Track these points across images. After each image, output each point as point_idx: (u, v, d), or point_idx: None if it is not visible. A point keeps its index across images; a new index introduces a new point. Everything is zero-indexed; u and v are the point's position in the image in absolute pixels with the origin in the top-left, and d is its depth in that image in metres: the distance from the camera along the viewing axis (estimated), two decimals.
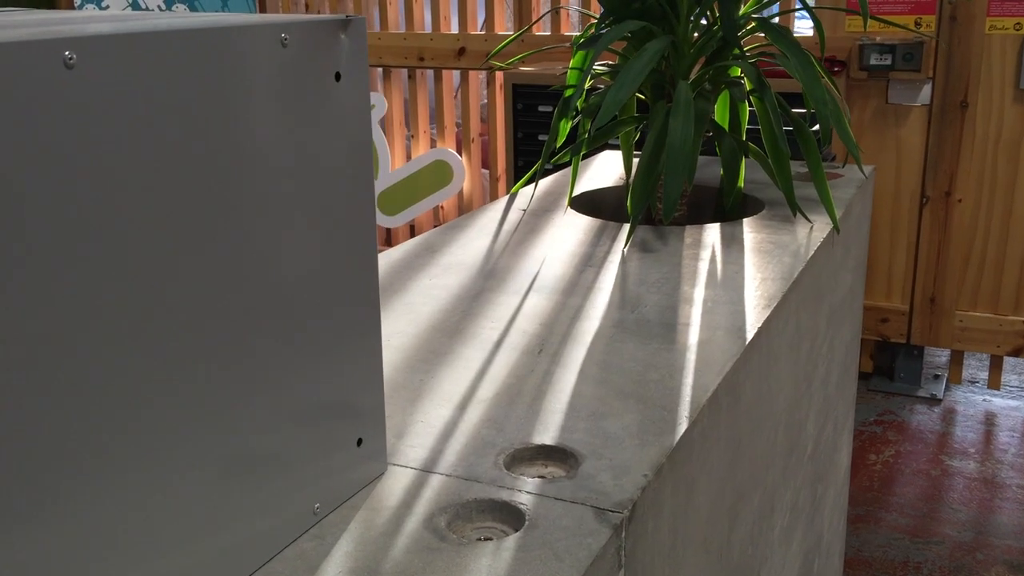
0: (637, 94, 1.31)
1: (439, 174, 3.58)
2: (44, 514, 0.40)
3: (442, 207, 3.68)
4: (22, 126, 0.37)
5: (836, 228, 1.19)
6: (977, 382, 3.09)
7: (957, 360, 3.00)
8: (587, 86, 1.29)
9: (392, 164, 3.67)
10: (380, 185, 3.66)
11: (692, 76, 1.23)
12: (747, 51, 1.26)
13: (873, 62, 2.77)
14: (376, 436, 0.61)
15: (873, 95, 2.82)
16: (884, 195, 2.88)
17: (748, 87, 1.19)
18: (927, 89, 2.76)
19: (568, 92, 1.15)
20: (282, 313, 0.52)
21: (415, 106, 3.60)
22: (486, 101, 3.52)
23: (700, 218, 1.38)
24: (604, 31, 1.10)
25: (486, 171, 3.67)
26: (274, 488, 0.53)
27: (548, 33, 3.30)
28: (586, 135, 1.18)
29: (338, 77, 0.53)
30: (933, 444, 2.70)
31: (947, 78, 2.73)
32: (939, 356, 3.22)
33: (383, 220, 3.69)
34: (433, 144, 3.70)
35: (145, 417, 0.45)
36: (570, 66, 1.20)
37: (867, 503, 2.39)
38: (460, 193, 3.62)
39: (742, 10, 1.23)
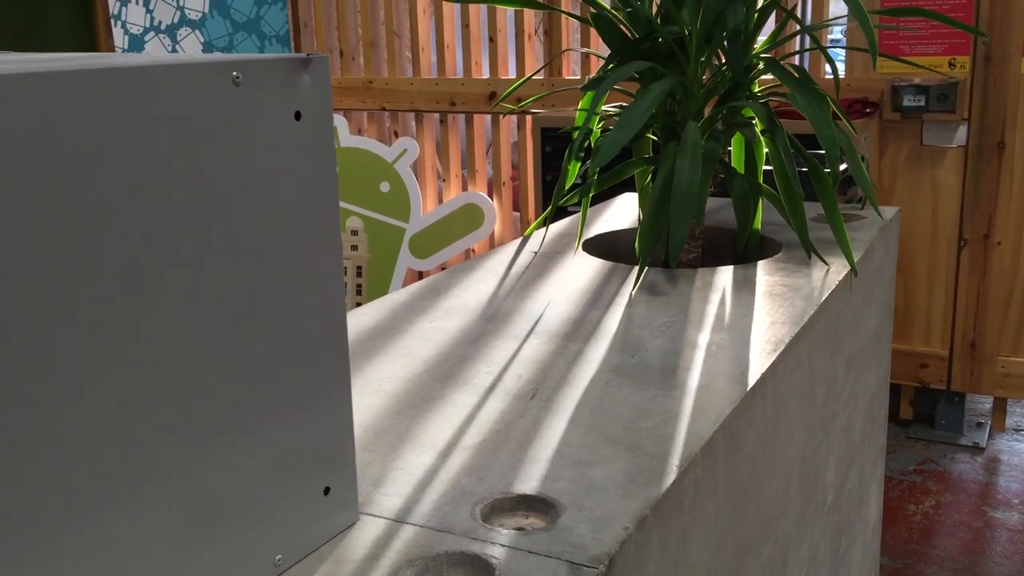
0: (651, 136, 1.29)
1: (470, 217, 3.59)
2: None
3: (473, 250, 3.68)
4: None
5: (854, 270, 1.16)
6: (1022, 430, 2.99)
7: (1000, 407, 2.91)
8: (600, 127, 1.28)
9: (424, 208, 3.69)
10: (412, 228, 3.67)
11: (705, 116, 1.21)
12: (761, 91, 1.24)
13: (907, 103, 2.73)
14: (345, 485, 0.59)
15: (907, 136, 2.78)
16: (921, 238, 2.83)
17: (759, 127, 1.17)
18: (963, 130, 2.71)
19: (575, 134, 1.13)
20: (244, 360, 0.51)
21: (447, 150, 3.62)
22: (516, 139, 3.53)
23: (717, 260, 1.36)
24: (610, 72, 1.09)
25: (517, 213, 3.67)
26: (234, 538, 0.51)
27: (577, 76, 3.31)
28: (594, 177, 1.16)
29: (298, 116, 0.52)
30: (975, 494, 2.60)
31: (983, 119, 2.68)
32: (982, 403, 3.13)
33: (414, 263, 3.70)
34: (464, 188, 3.71)
35: (106, 465, 0.43)
36: (578, 107, 1.19)
37: (905, 555, 2.31)
38: (492, 236, 3.62)
39: (756, 49, 1.21)
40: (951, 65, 2.70)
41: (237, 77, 0.48)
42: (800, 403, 0.98)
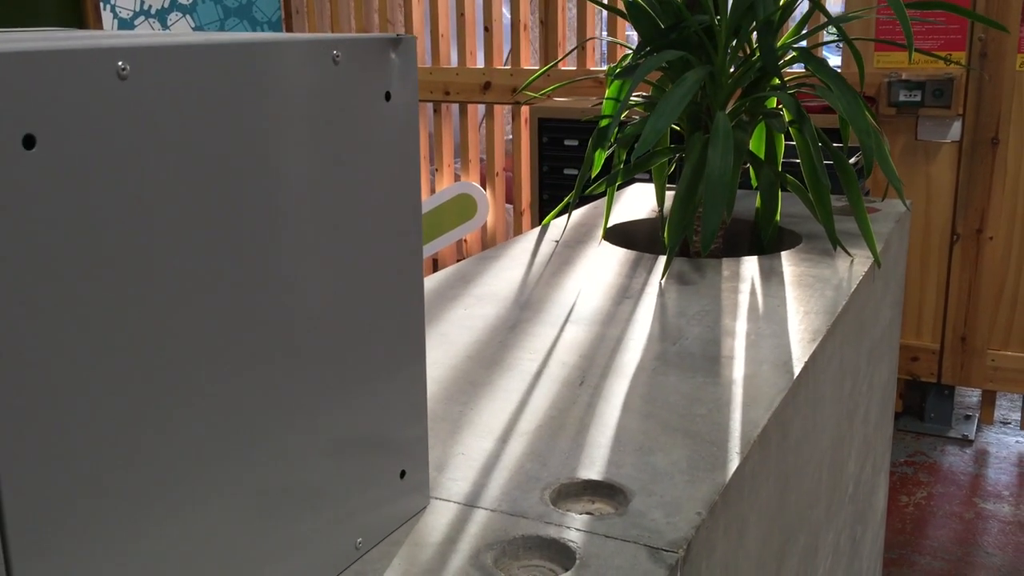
0: (672, 125, 1.30)
1: (463, 208, 3.58)
2: (70, 549, 0.38)
3: (465, 241, 3.67)
4: (70, 135, 0.36)
5: (877, 262, 1.17)
6: (1009, 423, 3.03)
7: (989, 400, 2.94)
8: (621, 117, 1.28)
9: None
10: None
11: (730, 107, 1.21)
12: (787, 82, 1.24)
13: (902, 98, 2.75)
14: (419, 469, 0.59)
15: (902, 131, 2.80)
16: (914, 232, 2.85)
17: (787, 118, 1.17)
18: (957, 126, 2.74)
19: (604, 122, 1.13)
20: (324, 342, 0.50)
21: (440, 140, 3.60)
22: (511, 136, 3.53)
23: (736, 251, 1.36)
24: (641, 61, 1.09)
25: (510, 205, 3.67)
26: (315, 523, 0.51)
27: (574, 68, 3.31)
28: (621, 165, 1.16)
29: (388, 96, 0.52)
30: (966, 486, 2.64)
31: (978, 115, 2.71)
32: (970, 396, 3.16)
33: None
34: (457, 178, 3.70)
35: (182, 449, 0.43)
36: (606, 96, 1.19)
37: (900, 546, 2.34)
38: (484, 227, 3.62)
39: (780, 41, 1.21)
40: (947, 61, 2.72)
41: (337, 56, 0.47)
42: (833, 393, 0.98)
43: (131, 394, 0.40)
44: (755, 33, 1.14)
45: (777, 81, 1.19)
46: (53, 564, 0.37)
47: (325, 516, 0.52)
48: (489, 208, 3.57)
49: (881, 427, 1.45)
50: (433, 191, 3.72)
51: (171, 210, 0.40)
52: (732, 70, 1.19)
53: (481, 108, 3.56)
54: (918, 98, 2.74)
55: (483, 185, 3.60)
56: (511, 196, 3.60)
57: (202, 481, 0.44)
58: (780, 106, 1.20)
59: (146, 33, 0.46)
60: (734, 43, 1.16)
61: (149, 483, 0.41)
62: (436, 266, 3.76)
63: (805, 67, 1.12)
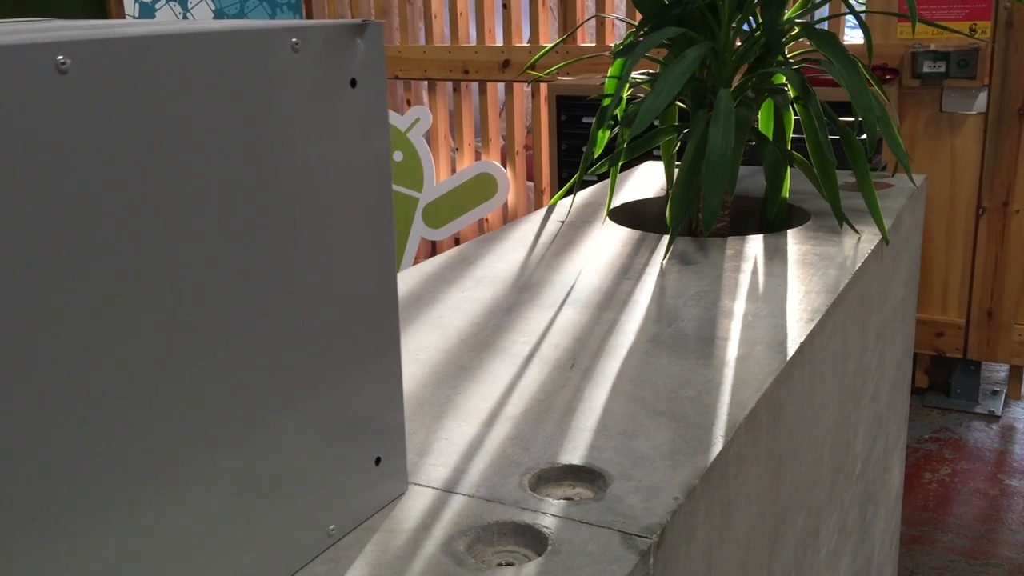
0: (679, 103, 1.28)
1: (484, 187, 3.57)
2: (52, 531, 0.39)
3: (487, 219, 3.67)
4: (12, 132, 0.36)
5: (885, 239, 1.15)
6: None
7: (1016, 375, 2.90)
8: (627, 95, 1.27)
9: (437, 177, 3.67)
10: (425, 198, 3.66)
11: (734, 84, 1.20)
12: (791, 57, 1.22)
13: (927, 70, 2.70)
14: (396, 455, 0.59)
15: (927, 103, 2.75)
16: (939, 206, 2.81)
17: (792, 94, 1.15)
18: (983, 97, 2.69)
19: (605, 101, 1.12)
20: (299, 329, 0.51)
21: (460, 119, 3.60)
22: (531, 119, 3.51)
23: (744, 229, 1.35)
24: (642, 38, 1.08)
25: (531, 183, 3.66)
26: (289, 509, 0.51)
27: (592, 44, 3.28)
28: (624, 145, 1.15)
29: (354, 83, 0.52)
30: (991, 462, 2.61)
31: (1003, 85, 2.65)
32: (997, 371, 3.12)
33: (427, 233, 3.69)
34: (478, 157, 3.69)
35: (161, 433, 0.43)
36: (608, 75, 1.18)
37: (922, 523, 2.32)
38: (505, 205, 3.61)
39: (786, 15, 1.19)
40: (971, 30, 2.67)
41: (296, 43, 0.47)
42: (834, 373, 0.97)
43: (100, 384, 0.40)
44: (760, 7, 1.13)
45: (783, 57, 1.18)
46: (19, 555, 0.38)
47: (299, 502, 0.52)
48: (510, 187, 3.56)
49: (895, 404, 1.44)
50: (454, 170, 3.72)
51: (121, 202, 0.40)
52: (737, 46, 1.17)
53: (500, 87, 3.55)
54: (943, 69, 2.69)
55: (504, 163, 3.59)
56: (532, 174, 3.59)
57: (174, 469, 0.44)
58: (786, 82, 1.18)
59: (102, 24, 0.46)
60: (738, 18, 1.15)
61: (123, 472, 0.42)
62: (458, 244, 3.76)
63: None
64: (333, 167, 0.51)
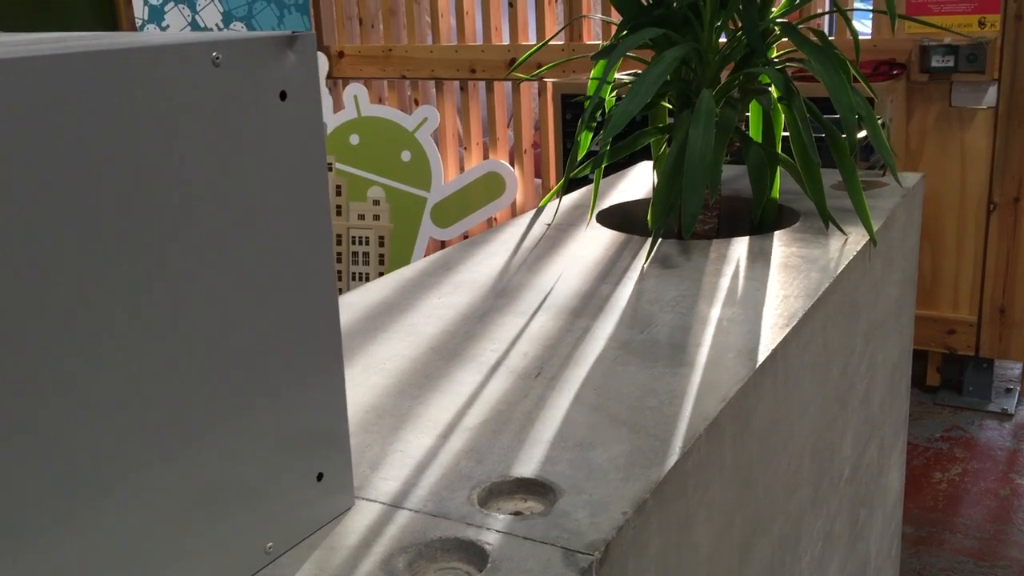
0: (667, 104, 1.27)
1: (492, 185, 3.56)
2: None
3: (495, 218, 3.66)
4: None
5: (873, 240, 1.13)
6: None
7: None
8: (613, 96, 1.25)
9: (445, 176, 3.67)
10: (433, 197, 3.65)
11: (720, 84, 1.18)
12: (778, 56, 1.20)
13: (935, 64, 2.67)
14: (340, 470, 0.58)
15: (936, 98, 2.72)
16: (949, 202, 2.77)
17: (776, 94, 1.14)
18: (992, 91, 2.65)
19: (587, 103, 1.11)
20: (233, 342, 0.50)
21: (467, 118, 3.59)
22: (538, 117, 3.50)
23: (735, 231, 1.33)
24: (622, 40, 1.07)
25: (539, 181, 3.64)
26: (224, 525, 0.51)
27: (598, 42, 3.26)
28: (607, 148, 1.14)
29: (283, 96, 0.51)
30: (1003, 461, 2.57)
31: (1013, 79, 2.61)
32: (1011, 369, 3.08)
33: (436, 232, 3.68)
34: (486, 156, 3.69)
35: (97, 451, 0.43)
36: (590, 76, 1.17)
37: (930, 524, 2.29)
38: (513, 204, 3.60)
39: (773, 13, 1.18)
40: (981, 24, 2.63)
41: (217, 58, 0.47)
42: (814, 377, 0.96)
43: (34, 397, 0.40)
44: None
45: (770, 55, 1.16)
46: None
47: (233, 520, 0.52)
48: (518, 185, 3.55)
49: (890, 406, 1.42)
50: (462, 170, 3.71)
51: (37, 218, 0.40)
52: (720, 46, 1.15)
53: (507, 85, 3.54)
54: (951, 63, 2.65)
55: (511, 162, 3.58)
56: (540, 172, 3.58)
57: (101, 485, 0.44)
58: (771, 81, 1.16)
59: (11, 41, 0.45)
60: (721, 18, 1.13)
61: (54, 488, 0.41)
62: None
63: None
64: (262, 180, 0.50)
